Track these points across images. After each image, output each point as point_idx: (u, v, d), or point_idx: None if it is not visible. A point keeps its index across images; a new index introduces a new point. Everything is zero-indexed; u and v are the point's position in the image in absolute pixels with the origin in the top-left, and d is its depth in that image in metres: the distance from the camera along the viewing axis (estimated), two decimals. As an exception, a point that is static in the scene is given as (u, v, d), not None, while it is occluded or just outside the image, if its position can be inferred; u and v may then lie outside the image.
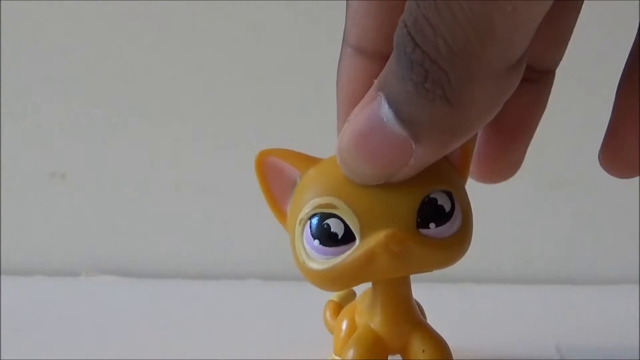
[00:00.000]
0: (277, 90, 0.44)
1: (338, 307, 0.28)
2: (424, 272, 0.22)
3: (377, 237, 0.20)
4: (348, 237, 0.21)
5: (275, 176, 0.22)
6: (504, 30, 0.17)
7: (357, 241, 0.20)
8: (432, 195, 0.21)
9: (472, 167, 0.24)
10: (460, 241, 0.21)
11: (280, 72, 0.43)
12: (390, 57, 0.19)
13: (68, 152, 0.44)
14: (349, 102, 0.22)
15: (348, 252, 0.20)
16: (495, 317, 0.36)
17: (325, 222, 0.21)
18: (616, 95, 0.22)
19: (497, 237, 0.43)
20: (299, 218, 0.21)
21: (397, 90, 0.18)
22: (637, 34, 0.22)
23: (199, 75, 0.44)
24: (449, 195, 0.21)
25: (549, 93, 0.24)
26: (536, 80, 0.24)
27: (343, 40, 0.22)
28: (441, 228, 0.21)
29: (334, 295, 0.28)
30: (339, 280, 0.21)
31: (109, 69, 0.44)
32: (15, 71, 0.43)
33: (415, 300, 0.26)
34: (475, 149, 0.24)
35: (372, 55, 0.21)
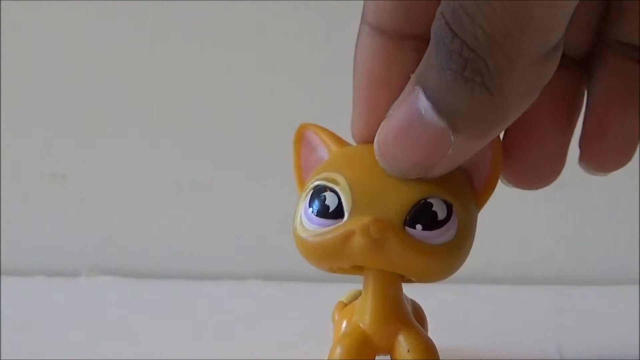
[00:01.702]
0: (279, 90, 0.43)
1: None
2: (404, 276, 0.22)
3: (361, 220, 0.21)
4: (338, 214, 0.21)
5: (308, 150, 0.24)
6: (542, 17, 0.17)
7: (345, 219, 0.21)
8: (429, 200, 0.21)
9: (509, 170, 0.23)
10: (446, 252, 0.21)
11: (282, 73, 0.43)
12: (427, 51, 0.19)
13: (68, 153, 0.44)
14: (366, 80, 0.22)
15: (332, 227, 0.21)
16: (495, 317, 0.36)
17: (323, 194, 0.21)
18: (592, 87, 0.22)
19: (497, 237, 0.43)
20: (306, 186, 0.22)
21: (435, 82, 0.18)
22: None
23: (200, 75, 0.44)
24: (448, 206, 0.21)
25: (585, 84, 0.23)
26: (569, 66, 0.23)
27: (362, 18, 0.22)
28: (428, 232, 0.21)
29: (343, 297, 0.28)
30: (318, 252, 0.21)
31: (110, 69, 0.44)
32: (16, 71, 0.43)
33: (414, 301, 0.26)
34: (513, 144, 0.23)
35: (390, 34, 0.21)
